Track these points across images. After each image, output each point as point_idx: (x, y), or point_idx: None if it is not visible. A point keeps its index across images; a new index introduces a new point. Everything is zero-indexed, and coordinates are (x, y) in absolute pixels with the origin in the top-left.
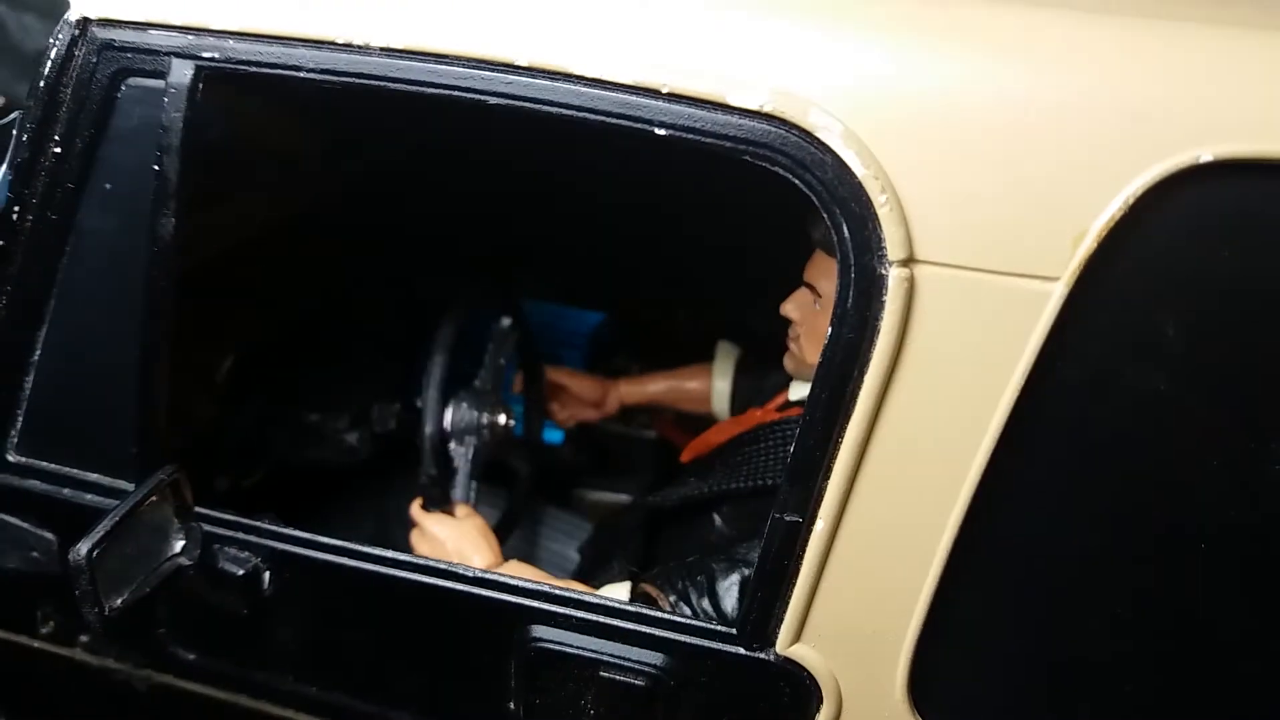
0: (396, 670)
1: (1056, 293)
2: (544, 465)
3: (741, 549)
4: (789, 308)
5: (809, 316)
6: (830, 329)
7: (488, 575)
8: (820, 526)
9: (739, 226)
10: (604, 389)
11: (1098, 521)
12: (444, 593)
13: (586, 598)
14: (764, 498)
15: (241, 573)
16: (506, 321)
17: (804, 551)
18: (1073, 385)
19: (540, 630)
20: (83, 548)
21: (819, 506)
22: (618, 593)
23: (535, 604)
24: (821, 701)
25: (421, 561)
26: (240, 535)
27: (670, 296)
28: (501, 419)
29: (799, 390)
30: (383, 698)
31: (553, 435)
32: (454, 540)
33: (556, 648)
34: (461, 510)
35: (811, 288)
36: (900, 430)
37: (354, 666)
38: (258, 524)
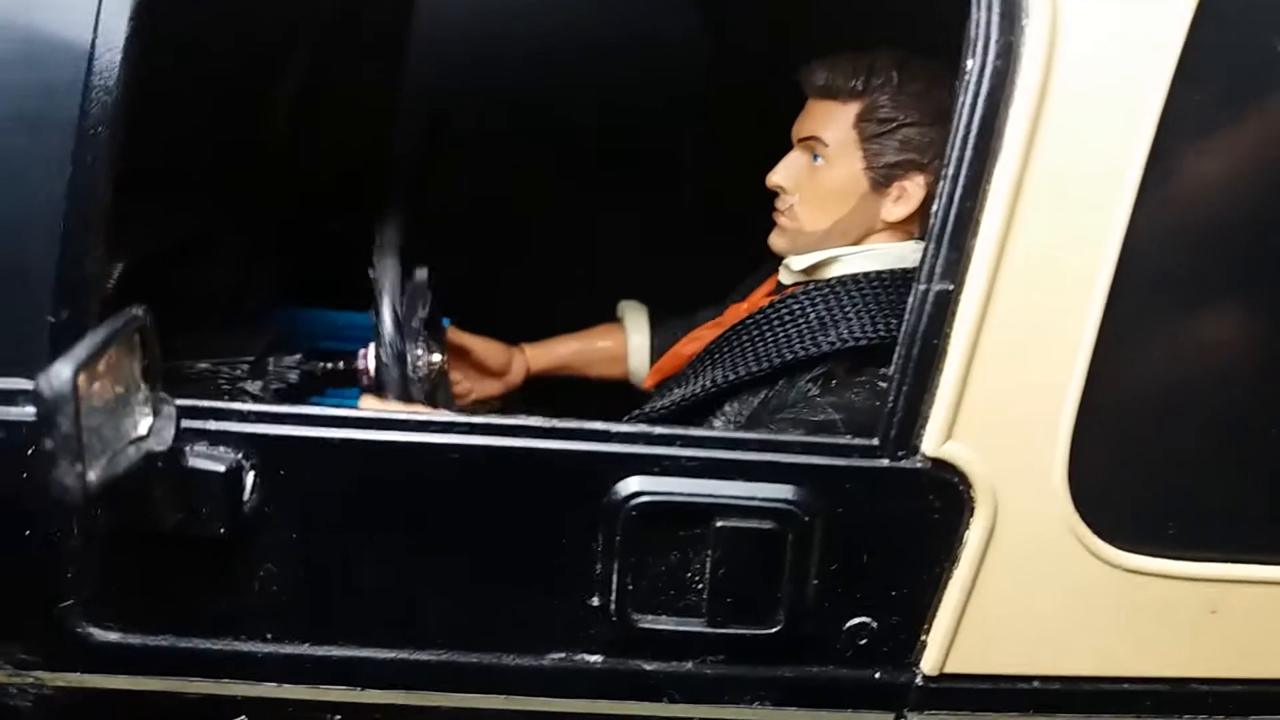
0: (434, 591)
1: (1189, 1)
2: None
3: (789, 411)
4: (778, 176)
5: (807, 179)
6: (965, 72)
7: (567, 424)
8: (971, 293)
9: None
10: (509, 355)
11: (1253, 244)
12: (507, 457)
13: (691, 432)
14: (786, 378)
15: (223, 469)
16: (422, 274)
17: (952, 326)
18: (1218, 91)
19: (637, 482)
20: (64, 369)
21: (967, 270)
22: None
23: (629, 449)
24: (974, 511)
25: (476, 420)
26: (214, 425)
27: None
28: (436, 358)
29: (798, 266)
30: (410, 638)
31: None
32: None
33: (661, 500)
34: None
35: (812, 141)
36: (1050, 167)
37: (371, 599)
38: (237, 407)
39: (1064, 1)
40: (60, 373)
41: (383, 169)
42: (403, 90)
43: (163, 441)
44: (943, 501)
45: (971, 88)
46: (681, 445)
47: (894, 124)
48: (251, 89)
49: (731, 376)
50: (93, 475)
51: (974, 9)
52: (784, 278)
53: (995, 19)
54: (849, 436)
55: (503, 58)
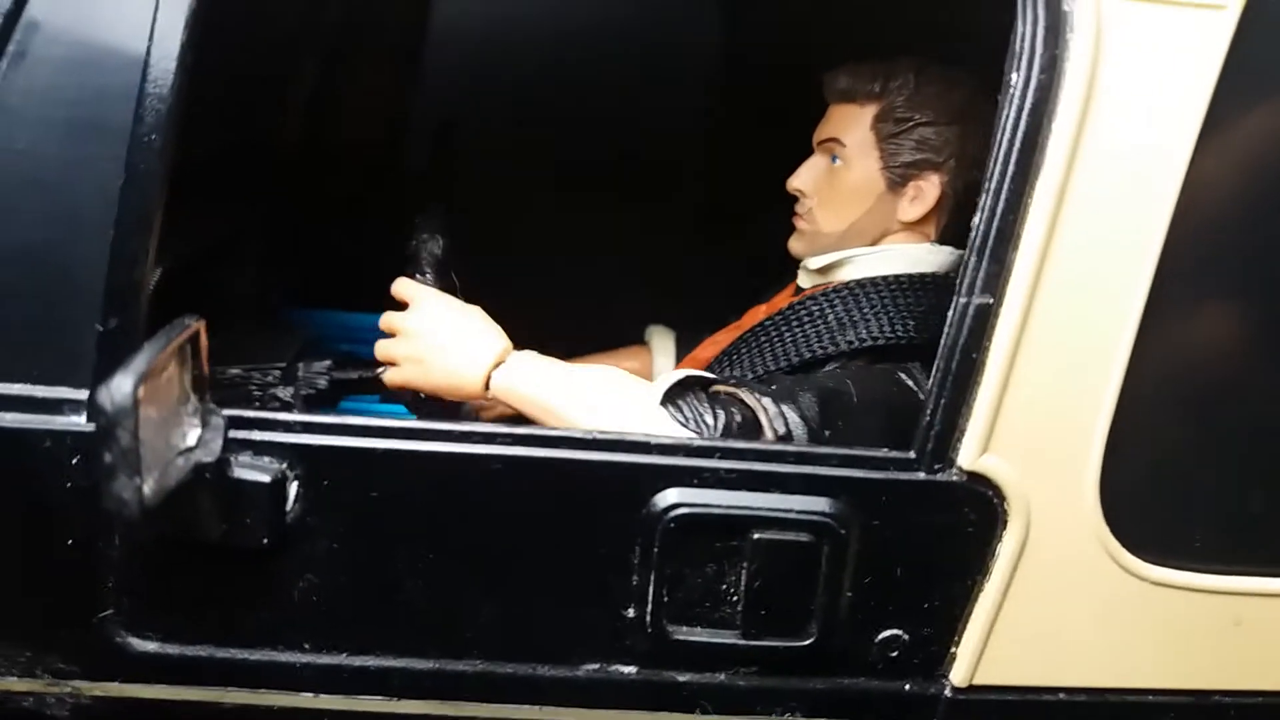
0: (471, 601)
1: (1228, 20)
2: None
3: (807, 378)
4: (798, 180)
5: (825, 182)
6: (1009, 85)
7: (606, 436)
8: (1010, 307)
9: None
10: None
11: None
12: (547, 467)
13: (729, 444)
14: (806, 372)
15: (268, 479)
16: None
17: (991, 340)
18: (1260, 105)
19: (675, 494)
20: (125, 382)
21: (1007, 284)
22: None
23: (668, 461)
24: (1007, 524)
25: (518, 431)
26: (258, 435)
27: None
28: None
29: (815, 265)
30: (447, 648)
31: None
32: (456, 317)
33: (699, 512)
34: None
35: (831, 144)
36: (1092, 181)
37: (409, 610)
38: (282, 417)
39: (1108, 16)
40: (122, 386)
41: (393, 176)
42: (415, 98)
43: (211, 453)
44: (977, 515)
45: (1015, 101)
46: (720, 457)
47: (910, 123)
48: (271, 95)
49: (749, 376)
50: (148, 489)
51: (1019, 22)
52: (802, 281)
53: (1040, 33)
54: (884, 451)
55: (509, 64)
